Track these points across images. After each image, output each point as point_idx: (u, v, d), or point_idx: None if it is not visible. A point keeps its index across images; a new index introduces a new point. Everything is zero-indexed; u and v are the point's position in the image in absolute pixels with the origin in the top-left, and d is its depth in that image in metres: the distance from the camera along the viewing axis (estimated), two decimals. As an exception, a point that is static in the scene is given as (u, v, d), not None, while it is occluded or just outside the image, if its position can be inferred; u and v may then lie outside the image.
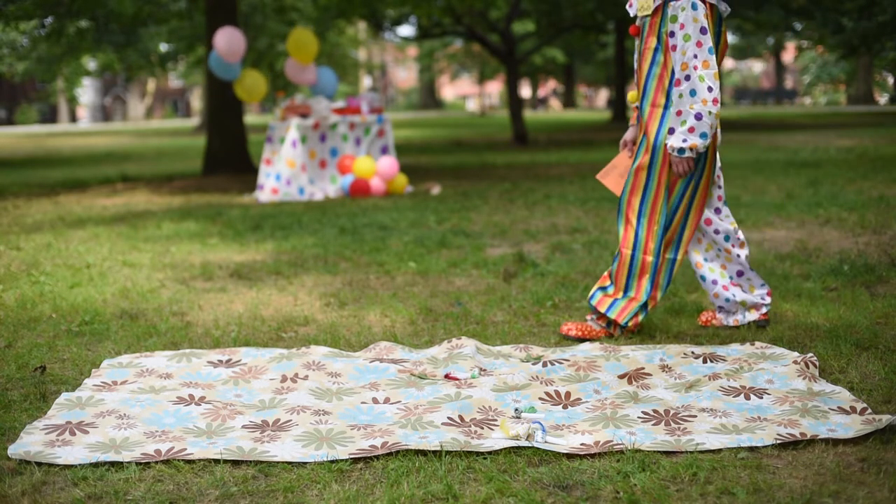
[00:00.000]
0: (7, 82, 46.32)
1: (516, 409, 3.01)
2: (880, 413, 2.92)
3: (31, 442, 2.79)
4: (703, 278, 4.10)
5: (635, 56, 3.98)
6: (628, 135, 4.11)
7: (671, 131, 3.78)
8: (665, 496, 2.39)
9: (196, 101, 55.94)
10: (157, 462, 2.65)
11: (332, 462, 2.65)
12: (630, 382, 3.30)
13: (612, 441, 2.74)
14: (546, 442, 2.74)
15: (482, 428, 2.88)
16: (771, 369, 3.31)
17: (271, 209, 8.73)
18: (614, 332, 4.02)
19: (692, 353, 3.56)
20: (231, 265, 5.77)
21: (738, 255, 4.02)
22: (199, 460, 2.66)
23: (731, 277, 4.06)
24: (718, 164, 4.00)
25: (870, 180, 9.37)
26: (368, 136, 10.29)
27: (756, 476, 2.49)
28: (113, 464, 2.65)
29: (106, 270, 5.69)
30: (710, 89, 3.68)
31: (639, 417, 2.95)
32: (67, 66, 30.37)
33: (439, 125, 31.83)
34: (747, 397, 3.11)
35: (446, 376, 3.40)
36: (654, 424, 2.89)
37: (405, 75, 65.41)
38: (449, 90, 65.40)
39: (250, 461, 2.66)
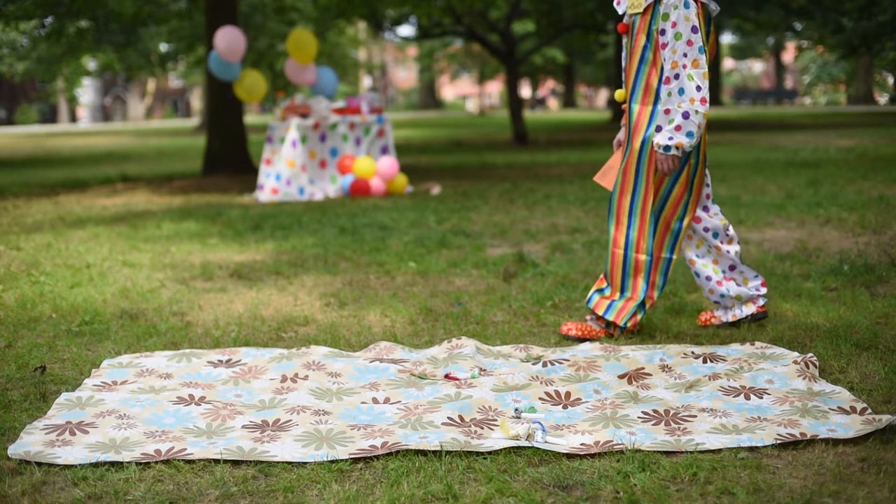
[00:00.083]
0: (7, 82, 46.33)
1: (516, 409, 3.01)
2: (880, 413, 2.92)
3: (31, 442, 2.79)
4: (697, 275, 4.10)
5: (623, 54, 3.96)
6: (621, 135, 4.10)
7: (658, 129, 3.77)
8: (665, 496, 2.39)
9: (196, 101, 55.95)
10: (157, 462, 2.65)
11: (332, 462, 2.65)
12: (630, 382, 3.30)
13: (612, 441, 2.74)
14: (546, 442, 2.74)
15: (482, 428, 2.88)
16: (771, 369, 3.31)
17: (271, 209, 8.73)
18: (614, 332, 4.02)
19: (692, 353, 3.56)
20: (231, 265, 5.77)
21: (728, 251, 4.02)
22: (199, 460, 2.66)
23: (723, 272, 4.06)
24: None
25: (870, 180, 9.37)
26: (368, 136, 10.29)
27: (756, 476, 2.49)
28: (113, 464, 2.65)
29: (106, 270, 5.69)
30: (698, 88, 3.68)
31: (639, 417, 2.95)
32: (67, 66, 30.37)
33: (439, 125, 31.83)
34: (747, 397, 3.11)
35: (446, 376, 3.40)
36: (654, 424, 2.89)
37: (405, 75, 65.42)
38: (449, 90, 65.41)
39: (250, 461, 2.66)
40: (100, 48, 22.44)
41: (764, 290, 4.05)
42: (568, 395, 3.20)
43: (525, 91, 54.11)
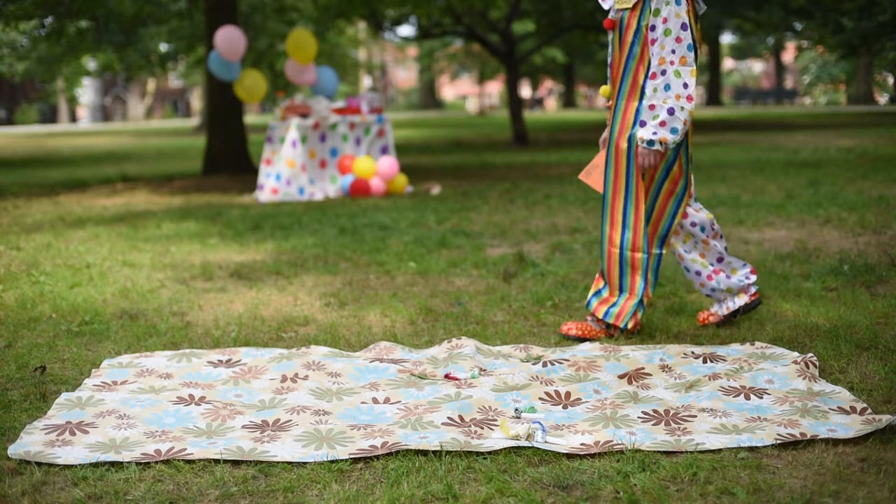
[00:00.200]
0: (7, 82, 46.31)
1: (516, 409, 3.01)
2: (880, 413, 2.92)
3: (31, 442, 2.79)
4: (687, 269, 4.10)
5: (609, 50, 3.94)
6: (608, 133, 4.09)
7: (642, 124, 3.76)
8: (665, 496, 2.39)
9: (196, 101, 55.95)
10: (157, 462, 2.65)
11: (332, 462, 2.65)
12: (630, 382, 3.30)
13: (612, 441, 2.74)
14: (546, 442, 2.74)
15: (482, 428, 2.88)
16: (771, 369, 3.31)
17: (271, 209, 8.73)
18: (614, 332, 4.02)
19: (692, 353, 3.56)
20: (231, 265, 5.77)
21: (716, 245, 4.03)
22: (199, 460, 2.66)
23: (712, 266, 4.05)
24: None
25: (870, 180, 9.37)
26: (368, 136, 10.29)
27: (756, 476, 2.49)
28: (113, 464, 2.65)
29: (106, 270, 5.69)
30: (685, 86, 3.67)
31: (639, 417, 2.95)
32: (67, 66, 30.34)
33: (439, 125, 31.83)
34: (747, 397, 3.11)
35: (446, 376, 3.40)
36: (654, 424, 2.89)
37: (405, 75, 65.41)
38: (449, 90, 65.40)
39: (250, 461, 2.66)
40: (100, 48, 22.40)
41: (754, 278, 4.05)
42: (568, 395, 3.20)
43: (525, 91, 54.11)
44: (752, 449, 2.68)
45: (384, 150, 10.40)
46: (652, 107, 3.72)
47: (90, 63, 38.75)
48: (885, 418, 2.77)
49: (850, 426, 2.78)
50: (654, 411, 3.00)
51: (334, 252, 6.15)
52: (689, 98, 3.68)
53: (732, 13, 24.64)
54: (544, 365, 3.44)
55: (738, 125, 24.26)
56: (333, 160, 10.09)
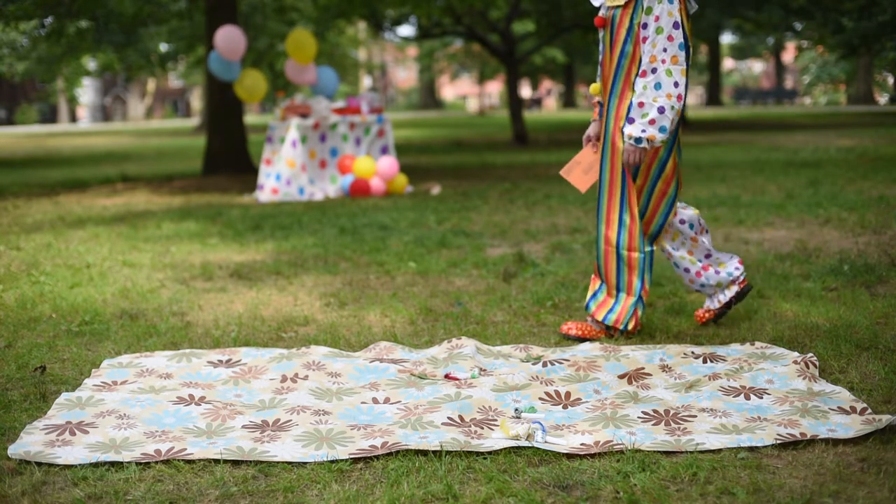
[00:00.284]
0: (7, 82, 46.32)
1: (516, 409, 3.01)
2: (880, 413, 2.92)
3: (31, 442, 2.79)
4: (676, 265, 4.10)
5: (600, 48, 3.92)
6: (591, 130, 4.08)
7: (630, 121, 3.73)
8: (665, 496, 2.39)
9: (196, 101, 55.95)
10: (157, 462, 2.65)
11: (332, 462, 2.65)
12: (630, 382, 3.30)
13: (612, 441, 2.74)
14: (546, 442, 2.74)
15: (482, 428, 2.88)
16: (771, 369, 3.31)
17: (271, 209, 8.73)
18: (614, 332, 4.01)
19: (692, 353, 3.56)
20: (231, 265, 5.77)
21: (703, 241, 4.03)
22: (199, 460, 2.66)
23: (700, 262, 4.05)
24: None
25: (870, 180, 9.37)
26: (368, 136, 10.29)
27: (756, 476, 2.49)
28: (113, 464, 2.65)
29: (106, 270, 5.69)
30: (675, 85, 3.65)
31: (639, 417, 2.95)
32: (67, 66, 30.34)
33: (439, 125, 31.83)
34: (747, 397, 3.11)
35: (446, 376, 3.40)
36: (654, 424, 2.89)
37: (405, 75, 65.41)
38: (449, 90, 65.39)
39: (250, 461, 2.66)
40: (100, 48, 22.40)
41: (742, 268, 4.06)
42: (568, 395, 3.20)
43: (525, 91, 54.11)
44: (752, 449, 2.68)
45: (384, 150, 10.40)
46: (641, 104, 3.69)
47: (90, 63, 38.75)
48: (885, 418, 2.77)
49: (850, 426, 2.78)
50: (654, 411, 3.00)
51: (334, 252, 6.15)
52: (679, 98, 3.67)
53: (732, 13, 24.63)
54: (544, 365, 3.44)
55: (738, 125, 24.26)
56: (333, 160, 10.09)
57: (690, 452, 2.66)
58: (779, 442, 2.70)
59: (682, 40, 3.66)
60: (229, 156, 13.09)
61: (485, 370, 3.44)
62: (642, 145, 3.72)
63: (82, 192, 11.15)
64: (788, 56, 52.67)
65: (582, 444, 2.73)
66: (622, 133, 3.79)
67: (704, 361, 3.48)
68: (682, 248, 4.06)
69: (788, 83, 56.63)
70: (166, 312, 4.57)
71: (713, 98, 40.30)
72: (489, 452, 2.70)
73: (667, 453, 2.67)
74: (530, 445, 2.72)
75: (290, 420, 2.98)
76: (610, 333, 4.01)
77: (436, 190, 10.05)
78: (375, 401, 3.18)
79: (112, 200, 9.99)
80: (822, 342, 3.73)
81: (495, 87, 59.01)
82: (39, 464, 2.65)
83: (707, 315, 4.11)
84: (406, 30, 71.77)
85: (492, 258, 5.80)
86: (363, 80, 50.90)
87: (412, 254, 5.98)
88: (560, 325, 4.11)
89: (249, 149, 13.53)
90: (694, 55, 44.74)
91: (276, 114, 10.14)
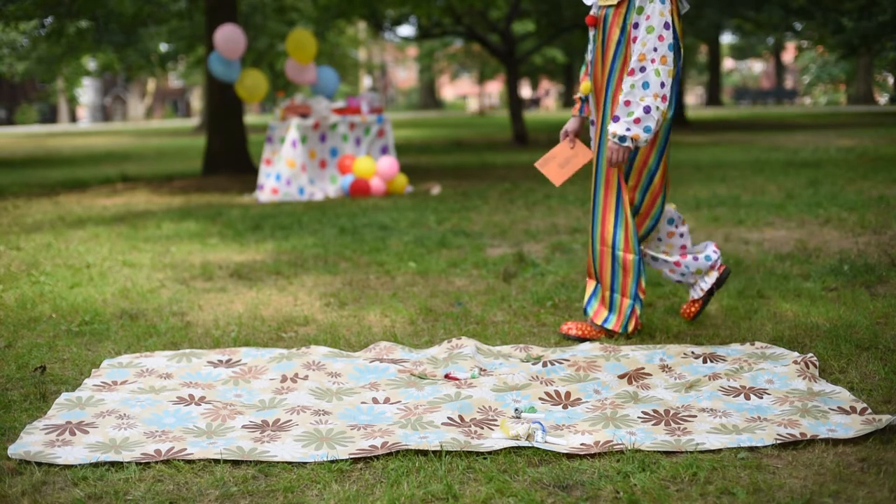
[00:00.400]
0: (7, 82, 46.32)
1: (516, 409, 3.01)
2: (880, 413, 2.92)
3: (31, 442, 2.79)
4: (654, 259, 4.11)
5: (590, 47, 3.90)
6: (569, 125, 4.06)
7: (615, 119, 3.72)
8: (665, 496, 2.39)
9: (196, 101, 55.95)
10: (157, 462, 2.65)
11: (332, 462, 2.65)
12: (630, 382, 3.30)
13: (612, 441, 2.74)
14: (546, 442, 2.74)
15: (482, 428, 2.88)
16: (771, 369, 3.31)
17: (271, 209, 8.73)
18: (614, 333, 4.01)
19: (692, 353, 3.56)
20: (231, 265, 5.77)
21: (682, 233, 4.04)
22: (199, 460, 2.66)
23: (678, 253, 4.05)
24: None
25: (870, 180, 9.37)
26: (368, 136, 10.29)
27: (756, 476, 2.49)
28: (113, 464, 2.65)
29: (106, 270, 5.69)
30: (662, 85, 3.64)
31: (639, 417, 2.95)
32: (67, 66, 30.33)
33: (439, 125, 31.83)
34: (747, 397, 3.11)
35: (446, 376, 3.40)
36: (654, 424, 2.89)
37: (405, 75, 65.41)
38: (449, 90, 65.39)
39: (250, 461, 2.66)
40: (100, 48, 22.39)
41: (718, 251, 4.06)
42: (568, 395, 3.20)
43: (525, 91, 54.11)
44: (752, 449, 2.68)
45: (384, 150, 10.40)
46: (627, 103, 3.67)
47: (90, 63, 38.75)
48: (885, 418, 2.77)
49: (850, 426, 2.78)
50: (654, 411, 3.00)
51: (334, 252, 6.15)
52: (664, 98, 3.65)
53: (732, 13, 24.63)
54: (544, 365, 3.44)
55: (738, 125, 24.26)
56: (333, 160, 10.09)
57: (690, 452, 2.66)
58: (779, 442, 2.70)
59: (671, 41, 3.65)
60: (229, 156, 13.09)
61: (485, 370, 3.44)
62: (626, 144, 3.70)
63: (82, 192, 11.15)
64: (788, 56, 52.67)
65: (582, 444, 2.73)
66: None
67: (704, 361, 3.48)
68: (660, 244, 4.07)
69: (788, 83, 56.63)
70: (166, 312, 4.57)
71: (713, 98, 40.29)
72: (489, 452, 2.70)
73: (667, 453, 2.67)
74: (530, 445, 2.72)
75: (290, 420, 2.98)
76: (610, 334, 4.01)
77: (436, 190, 10.05)
78: (375, 401, 3.18)
79: (112, 200, 9.99)
80: (822, 342, 3.73)
81: (495, 87, 59.00)
82: (39, 464, 2.65)
83: (693, 308, 4.08)
84: (406, 30, 71.79)
85: (492, 258, 5.80)
86: (363, 80, 50.90)
87: (412, 254, 5.99)
88: (560, 325, 4.11)
89: (249, 149, 13.53)
90: (694, 55, 44.78)
91: (276, 114, 10.14)
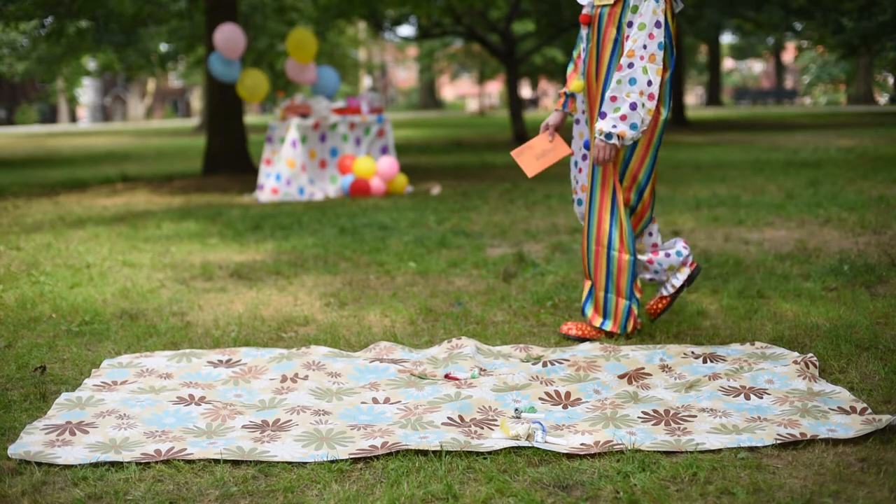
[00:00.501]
0: (7, 82, 46.32)
1: (516, 409, 3.01)
2: (880, 413, 2.92)
3: (31, 442, 2.79)
4: None
5: (583, 45, 3.88)
6: (551, 119, 4.05)
7: (602, 115, 3.70)
8: (665, 496, 2.39)
9: (196, 101, 55.95)
10: (157, 462, 2.65)
11: (332, 462, 2.65)
12: (630, 382, 3.30)
13: (612, 441, 2.74)
14: (546, 442, 2.74)
15: (482, 428, 2.88)
16: (771, 369, 3.31)
17: (271, 209, 8.73)
18: (614, 333, 4.01)
19: (692, 353, 3.56)
20: (231, 265, 5.77)
21: (652, 233, 4.06)
22: (199, 460, 2.66)
23: (650, 251, 4.06)
24: None
25: (870, 180, 9.37)
26: (368, 136, 10.29)
27: (756, 476, 2.49)
28: (113, 464, 2.65)
29: (106, 270, 5.69)
30: (649, 83, 3.63)
31: (639, 417, 2.95)
32: (67, 66, 30.34)
33: (439, 125, 31.83)
34: (747, 397, 3.11)
35: (446, 376, 3.40)
36: (654, 424, 2.89)
37: (405, 75, 65.40)
38: (449, 90, 65.39)
39: (250, 461, 2.66)
40: (100, 48, 22.39)
41: (688, 248, 4.06)
42: (568, 395, 3.20)
43: (525, 91, 54.11)
44: (752, 449, 2.68)
45: (384, 150, 10.40)
46: (614, 98, 3.66)
47: (90, 63, 38.75)
48: (885, 418, 2.77)
49: (850, 426, 2.78)
50: (654, 411, 3.00)
51: (334, 252, 6.15)
52: (651, 96, 3.63)
53: (732, 13, 24.64)
54: (544, 365, 3.44)
55: (738, 125, 24.26)
56: (333, 160, 10.09)
57: (690, 452, 2.66)
58: (779, 442, 2.70)
59: (662, 40, 3.64)
60: (229, 156, 13.09)
61: (485, 370, 3.44)
62: (612, 141, 3.69)
63: (82, 192, 11.15)
64: (788, 56, 52.68)
65: (582, 444, 2.73)
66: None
67: (704, 361, 3.48)
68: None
69: (788, 83, 56.62)
70: (166, 312, 4.57)
71: (713, 98, 40.29)
72: (489, 452, 2.70)
73: (667, 453, 2.67)
74: (530, 445, 2.72)
75: (290, 420, 2.98)
76: (610, 334, 4.00)
77: (436, 190, 10.05)
78: (375, 401, 3.18)
79: (112, 200, 9.99)
80: (822, 342, 3.73)
81: (495, 87, 58.99)
82: (39, 464, 2.65)
83: (661, 304, 4.06)
84: (406, 30, 71.80)
85: (492, 258, 5.80)
86: (363, 80, 50.90)
87: (412, 254, 5.99)
88: (560, 325, 4.11)
89: (249, 149, 13.53)
90: (694, 55, 44.78)
91: (276, 114, 10.14)
